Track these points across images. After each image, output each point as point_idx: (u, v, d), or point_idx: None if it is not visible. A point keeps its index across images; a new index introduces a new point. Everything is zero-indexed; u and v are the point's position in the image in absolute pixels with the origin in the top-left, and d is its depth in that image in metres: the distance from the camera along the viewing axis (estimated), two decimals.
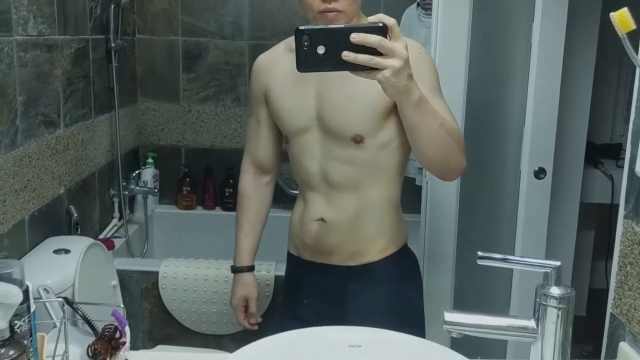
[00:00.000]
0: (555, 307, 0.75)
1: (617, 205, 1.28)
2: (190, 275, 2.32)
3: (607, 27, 2.56)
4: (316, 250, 1.51)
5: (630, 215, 1.29)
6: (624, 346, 1.24)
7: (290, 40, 1.47)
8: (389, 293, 1.51)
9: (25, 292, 0.77)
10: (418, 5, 2.47)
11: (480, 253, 0.80)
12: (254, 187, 1.65)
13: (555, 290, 0.75)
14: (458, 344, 1.26)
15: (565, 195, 2.28)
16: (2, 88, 1.68)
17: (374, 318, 1.42)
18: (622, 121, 2.76)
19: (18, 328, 0.77)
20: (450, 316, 0.78)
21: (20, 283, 0.77)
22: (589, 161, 2.47)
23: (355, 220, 1.46)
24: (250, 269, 1.65)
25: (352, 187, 1.45)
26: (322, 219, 1.47)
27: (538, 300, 0.76)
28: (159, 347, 2.09)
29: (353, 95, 1.36)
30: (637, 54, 1.10)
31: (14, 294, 0.72)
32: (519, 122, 1.94)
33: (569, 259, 2.34)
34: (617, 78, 2.76)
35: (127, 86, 2.83)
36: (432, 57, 1.98)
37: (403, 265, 1.54)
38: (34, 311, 0.84)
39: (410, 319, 1.52)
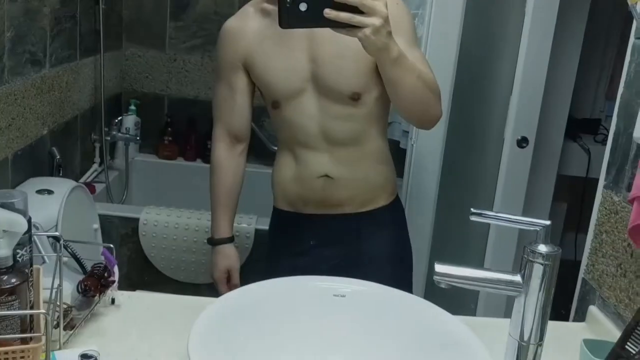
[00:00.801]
0: (542, 264, 0.79)
1: (592, 179, 1.34)
2: (171, 224, 2.33)
3: (596, 5, 2.57)
4: (323, 204, 1.53)
5: (610, 185, 1.34)
6: (593, 309, 1.31)
7: (257, 2, 1.47)
8: (395, 236, 1.62)
9: (29, 222, 0.78)
10: None
11: (473, 210, 0.83)
12: (228, 157, 1.60)
13: (542, 248, 0.79)
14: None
15: (544, 166, 2.34)
16: None
17: (383, 259, 1.58)
18: (602, 98, 2.82)
19: (20, 257, 0.78)
20: (441, 268, 0.81)
21: (23, 213, 0.78)
22: (568, 134, 2.53)
23: (361, 173, 1.52)
24: (231, 240, 1.63)
25: (354, 142, 1.49)
26: (326, 175, 1.50)
27: (525, 256, 0.79)
28: (138, 292, 2.10)
29: (346, 54, 1.37)
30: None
31: (20, 223, 0.73)
32: (507, 91, 1.97)
33: None
34: (602, 57, 2.80)
35: (113, 30, 2.78)
36: (426, 21, 1.99)
37: (401, 210, 1.66)
38: (35, 240, 0.85)
39: (408, 260, 1.66)
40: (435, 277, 0.82)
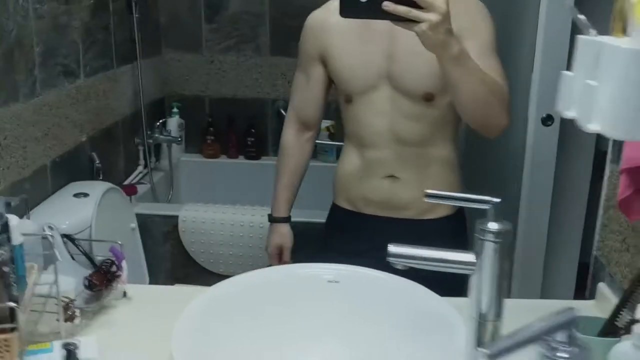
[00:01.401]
0: (493, 242, 0.78)
1: None
2: (209, 220, 2.42)
3: None
4: (385, 205, 1.53)
5: (615, 159, 1.30)
6: (601, 286, 1.27)
7: None
8: (454, 248, 1.57)
9: (4, 225, 0.85)
10: None
11: (427, 191, 0.83)
12: (296, 141, 1.67)
13: (493, 226, 0.78)
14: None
15: (579, 142, 2.25)
16: (18, 39, 1.76)
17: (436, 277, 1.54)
18: None
19: None
20: (394, 249, 0.82)
21: (0, 216, 0.85)
22: None
23: (426, 177, 1.50)
24: (286, 219, 1.69)
25: (422, 144, 1.48)
26: (392, 176, 1.50)
27: (477, 235, 0.79)
28: (177, 285, 2.20)
29: (423, 52, 1.28)
30: None
31: None
32: (527, 68, 1.92)
33: (582, 206, 2.32)
34: None
35: (150, 37, 2.90)
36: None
37: (463, 223, 1.59)
38: (21, 243, 0.92)
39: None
40: (389, 258, 0.83)
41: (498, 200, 0.79)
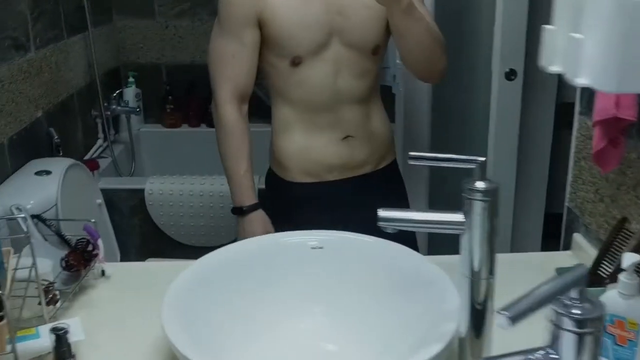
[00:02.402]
0: (481, 200, 0.79)
1: None
2: (176, 191, 2.38)
3: None
4: (347, 166, 1.52)
5: (584, 111, 1.32)
6: (577, 237, 1.30)
7: None
8: (403, 187, 1.67)
9: None
10: None
11: (411, 153, 0.83)
12: (240, 118, 1.50)
13: (480, 184, 0.79)
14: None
15: (541, 94, 2.28)
16: None
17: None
18: None
19: None
20: (384, 213, 0.82)
21: None
22: None
23: (374, 129, 1.53)
24: (259, 205, 1.54)
25: (367, 98, 1.50)
26: (348, 136, 1.49)
27: (465, 195, 0.79)
28: (149, 260, 2.17)
29: (371, 6, 1.30)
30: None
31: None
32: (489, 21, 1.92)
33: (546, 158, 2.37)
34: None
35: (100, 4, 2.78)
36: None
37: (397, 165, 1.68)
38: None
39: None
40: (380, 223, 0.83)
41: (483, 159, 0.80)
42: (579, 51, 0.66)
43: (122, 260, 2.17)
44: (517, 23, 1.88)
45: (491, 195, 0.79)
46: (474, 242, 0.81)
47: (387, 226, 0.83)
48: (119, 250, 2.18)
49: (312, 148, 1.50)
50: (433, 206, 2.14)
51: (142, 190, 2.39)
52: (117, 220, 2.34)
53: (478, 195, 0.79)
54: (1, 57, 1.87)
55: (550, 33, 0.70)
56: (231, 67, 1.46)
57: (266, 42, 1.44)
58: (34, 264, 1.00)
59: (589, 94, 1.26)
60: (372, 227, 1.37)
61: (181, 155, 3.02)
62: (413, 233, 1.60)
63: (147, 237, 2.45)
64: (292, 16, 1.40)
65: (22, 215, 1.00)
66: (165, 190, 2.38)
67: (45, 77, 2.16)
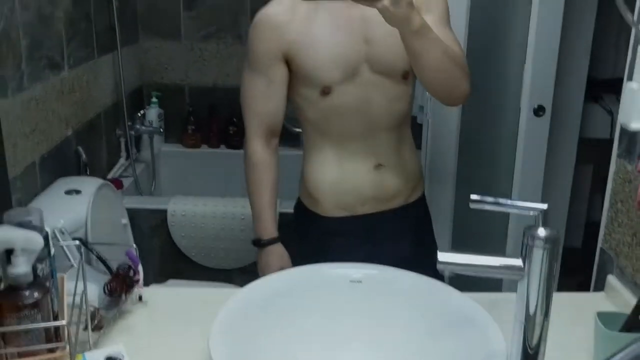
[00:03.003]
0: (541, 248, 0.80)
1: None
2: (198, 213, 2.39)
3: None
4: (379, 198, 1.51)
5: (623, 154, 1.33)
6: (611, 279, 1.31)
7: None
8: (430, 221, 1.66)
9: (45, 238, 0.83)
10: None
11: (473, 196, 0.84)
12: (268, 153, 1.52)
13: (541, 232, 0.80)
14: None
15: (565, 130, 2.31)
16: (5, 32, 1.69)
17: (432, 251, 1.58)
18: (624, 56, 2.75)
19: (40, 271, 0.83)
20: (443, 256, 0.83)
21: (40, 229, 0.83)
22: (589, 96, 2.48)
23: (404, 159, 1.53)
24: (279, 238, 1.55)
25: (398, 126, 1.50)
26: (380, 165, 1.49)
27: (525, 241, 0.81)
28: (170, 281, 2.18)
29: (395, 31, 1.29)
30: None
31: (36, 241, 0.77)
32: (520, 61, 1.95)
33: (566, 192, 2.39)
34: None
35: (129, 25, 2.82)
36: None
37: (425, 199, 1.67)
38: (53, 254, 0.90)
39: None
40: (439, 266, 0.84)
41: (545, 206, 0.81)
42: None
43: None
44: (547, 61, 1.91)
45: (552, 243, 0.80)
46: (531, 288, 0.82)
47: (446, 269, 0.84)
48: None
49: (345, 178, 1.50)
50: (456, 240, 2.15)
51: (164, 211, 2.41)
52: (137, 239, 2.34)
53: (539, 243, 0.80)
54: (37, 77, 1.89)
55: (632, 91, 0.71)
56: (260, 103, 1.49)
57: (295, 74, 1.46)
58: (84, 291, 1.01)
59: (628, 137, 1.27)
60: (403, 262, 1.39)
61: (200, 176, 3.04)
62: (434, 241, 1.66)
63: (167, 257, 2.46)
64: (319, 48, 1.41)
65: (76, 243, 1.00)
66: (188, 211, 2.39)
67: (76, 96, 2.19)
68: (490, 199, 0.84)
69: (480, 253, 0.84)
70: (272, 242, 1.54)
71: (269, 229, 1.54)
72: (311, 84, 1.44)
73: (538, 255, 0.80)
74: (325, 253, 1.44)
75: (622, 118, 0.74)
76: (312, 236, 1.57)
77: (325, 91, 1.44)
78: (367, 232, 1.52)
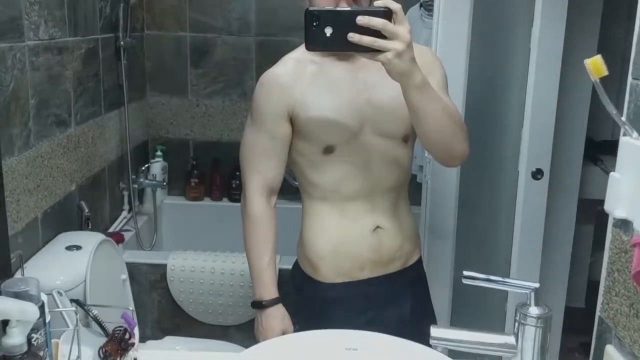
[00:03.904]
0: (533, 326, 0.80)
1: None
2: (197, 268, 2.39)
3: (608, 23, 2.54)
4: (378, 263, 1.51)
5: (618, 224, 1.34)
6: (609, 349, 1.29)
7: (296, 51, 1.48)
8: (427, 286, 1.65)
9: (41, 307, 0.83)
10: (421, 5, 2.49)
11: (465, 273, 0.85)
12: (268, 211, 1.51)
13: (533, 310, 0.81)
14: None
15: (564, 191, 2.33)
16: (15, 92, 1.73)
17: (429, 315, 1.61)
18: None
19: (35, 341, 0.83)
20: (436, 331, 0.84)
21: (36, 299, 0.83)
22: (588, 158, 2.51)
23: (401, 222, 1.53)
24: (280, 300, 1.52)
25: (397, 188, 1.52)
26: (378, 227, 1.50)
27: (517, 319, 0.81)
28: (167, 338, 2.16)
29: (397, 95, 1.32)
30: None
31: (31, 312, 0.78)
32: (518, 124, 1.98)
33: (567, 252, 2.39)
34: (620, 73, 2.77)
35: (136, 82, 2.89)
36: None
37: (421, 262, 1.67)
38: (49, 322, 0.90)
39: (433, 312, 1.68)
40: (432, 341, 0.84)
41: (537, 285, 0.82)
42: None
43: (139, 336, 2.16)
44: (545, 125, 1.94)
45: (544, 322, 0.81)
46: None
47: (438, 344, 0.84)
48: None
49: (344, 242, 1.50)
50: (456, 300, 2.14)
51: (164, 265, 2.41)
52: (136, 293, 2.35)
53: (531, 321, 0.80)
54: (44, 134, 1.93)
55: (616, 181, 0.73)
56: (262, 161, 1.49)
57: (298, 133, 1.47)
58: (79, 357, 1.01)
59: None
60: (402, 327, 1.39)
61: (202, 228, 3.05)
62: (431, 304, 1.64)
63: (165, 312, 2.45)
64: (324, 108, 1.43)
65: (73, 309, 1.01)
66: (187, 267, 2.40)
67: (81, 152, 2.22)
68: (482, 275, 0.85)
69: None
70: (273, 303, 1.51)
71: (270, 290, 1.51)
72: (314, 142, 1.46)
73: (530, 332, 0.81)
74: (326, 320, 1.45)
75: (607, 206, 0.75)
76: (312, 303, 1.55)
77: (328, 150, 1.45)
78: (366, 298, 1.51)
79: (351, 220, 1.50)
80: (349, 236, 1.50)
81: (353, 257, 1.50)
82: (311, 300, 1.54)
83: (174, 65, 3.02)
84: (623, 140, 0.75)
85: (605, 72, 0.69)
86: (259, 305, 1.52)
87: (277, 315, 1.51)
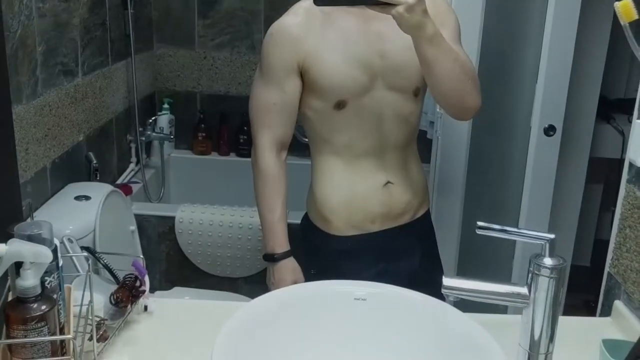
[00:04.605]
0: (547, 277, 0.80)
1: None
2: (206, 221, 2.40)
3: None
4: (388, 216, 1.52)
5: (632, 180, 1.33)
6: (618, 304, 1.30)
7: (306, 1, 1.43)
8: (434, 237, 1.67)
9: (54, 251, 0.83)
10: None
11: (480, 223, 0.85)
12: (279, 166, 1.50)
13: (548, 261, 0.80)
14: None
15: (575, 149, 2.30)
16: (22, 39, 1.71)
17: (437, 266, 1.64)
18: (637, 76, 2.74)
19: (48, 284, 0.84)
20: (449, 281, 0.83)
21: (49, 243, 0.83)
22: (601, 116, 2.48)
23: (411, 177, 1.54)
24: (291, 252, 1.52)
25: (406, 142, 1.51)
26: (388, 182, 1.50)
27: (531, 269, 0.81)
28: (175, 288, 2.19)
29: (409, 47, 1.31)
30: None
31: (45, 254, 0.78)
32: (532, 80, 1.95)
33: (576, 211, 2.38)
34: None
35: (143, 33, 2.85)
36: None
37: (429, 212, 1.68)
38: (61, 266, 0.90)
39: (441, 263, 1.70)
40: (444, 290, 0.84)
41: (552, 236, 0.81)
42: None
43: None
44: (559, 81, 1.91)
45: (558, 273, 0.80)
46: (536, 316, 0.82)
47: (451, 294, 0.84)
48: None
49: (356, 197, 1.50)
50: (462, 255, 2.15)
51: (172, 218, 2.42)
52: (144, 245, 2.36)
53: (545, 272, 0.80)
54: (51, 83, 1.91)
55: None
56: (273, 115, 1.46)
57: (309, 87, 1.44)
58: (90, 302, 1.01)
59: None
60: (413, 278, 1.39)
61: (209, 183, 3.05)
62: (438, 256, 1.67)
63: (174, 264, 2.47)
64: (337, 61, 1.40)
65: (85, 254, 1.01)
66: (195, 219, 2.40)
67: (89, 103, 2.21)
68: (497, 226, 0.84)
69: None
70: (285, 255, 1.51)
71: (282, 243, 1.51)
72: (326, 97, 1.44)
73: (544, 283, 0.80)
74: (337, 272, 1.42)
75: (630, 154, 0.74)
76: (323, 255, 1.56)
77: (340, 105, 1.43)
78: (378, 251, 1.52)
79: (362, 176, 1.49)
80: (360, 191, 1.50)
81: (364, 211, 1.50)
82: (323, 253, 1.55)
83: (181, 15, 2.96)
84: None
85: (636, 16, 0.67)
86: (271, 257, 1.52)
87: (289, 267, 1.51)
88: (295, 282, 1.51)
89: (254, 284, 2.41)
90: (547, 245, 0.80)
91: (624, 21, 0.67)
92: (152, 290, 2.08)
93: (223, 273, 2.44)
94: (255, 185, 1.53)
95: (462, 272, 2.13)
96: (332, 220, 1.51)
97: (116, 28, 2.47)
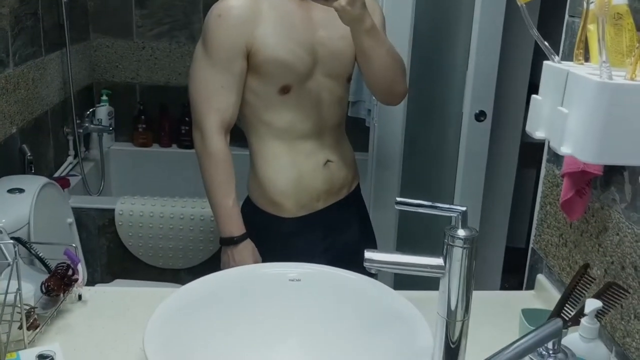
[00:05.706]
0: (461, 247, 0.84)
1: None
2: (146, 213, 2.38)
3: None
4: (329, 193, 1.59)
5: (551, 159, 1.40)
6: (540, 278, 1.37)
7: None
8: (365, 208, 1.78)
9: None
10: None
11: (397, 199, 0.88)
12: (227, 149, 1.48)
13: (461, 232, 0.84)
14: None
15: (507, 134, 2.39)
16: None
17: (371, 233, 1.76)
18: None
19: None
20: (370, 254, 0.87)
21: None
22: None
23: (345, 152, 1.63)
24: (248, 234, 1.53)
25: (340, 123, 1.61)
26: (328, 160, 1.57)
27: (446, 241, 0.85)
28: (117, 281, 2.17)
29: (345, 36, 1.42)
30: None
31: None
32: (463, 67, 2.01)
33: (509, 194, 2.47)
34: (564, 19, 2.81)
35: (79, 22, 2.79)
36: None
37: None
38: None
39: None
40: (365, 264, 0.87)
41: (464, 208, 0.85)
42: (563, 123, 0.73)
43: (88, 280, 2.16)
44: (488, 67, 1.97)
45: (470, 243, 0.84)
46: (452, 285, 0.86)
47: (371, 267, 0.87)
48: (86, 269, 2.17)
49: (302, 177, 1.53)
50: (400, 242, 2.20)
51: (112, 210, 2.39)
52: (84, 238, 2.33)
53: (458, 243, 0.84)
54: None
55: (538, 103, 0.76)
56: (220, 98, 1.44)
57: (254, 71, 1.44)
58: (19, 289, 1.01)
59: None
60: (354, 250, 1.45)
61: (150, 175, 3.02)
62: (373, 233, 1.76)
63: (114, 257, 2.44)
64: (283, 45, 1.42)
65: (11, 242, 1.00)
66: (136, 211, 2.38)
67: (21, 94, 2.16)
68: (413, 201, 0.88)
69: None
70: (243, 238, 1.51)
71: (240, 226, 1.50)
72: (271, 81, 1.45)
73: (458, 254, 0.85)
74: (290, 253, 1.42)
75: (528, 127, 0.79)
76: (274, 238, 1.56)
77: (285, 90, 1.46)
78: (324, 227, 1.59)
79: (305, 157, 1.54)
80: (305, 172, 1.54)
81: (310, 191, 1.56)
82: (275, 236, 1.56)
83: (117, 4, 2.91)
84: (546, 64, 0.78)
85: None
86: (230, 241, 1.51)
87: (249, 248, 1.52)
88: (256, 263, 1.51)
89: (197, 274, 2.38)
90: (460, 217, 0.85)
91: (520, 2, 0.71)
92: (93, 283, 2.07)
93: (165, 264, 2.43)
94: (206, 171, 1.49)
95: (401, 248, 2.19)
96: (282, 203, 1.53)
97: (49, 18, 2.42)
